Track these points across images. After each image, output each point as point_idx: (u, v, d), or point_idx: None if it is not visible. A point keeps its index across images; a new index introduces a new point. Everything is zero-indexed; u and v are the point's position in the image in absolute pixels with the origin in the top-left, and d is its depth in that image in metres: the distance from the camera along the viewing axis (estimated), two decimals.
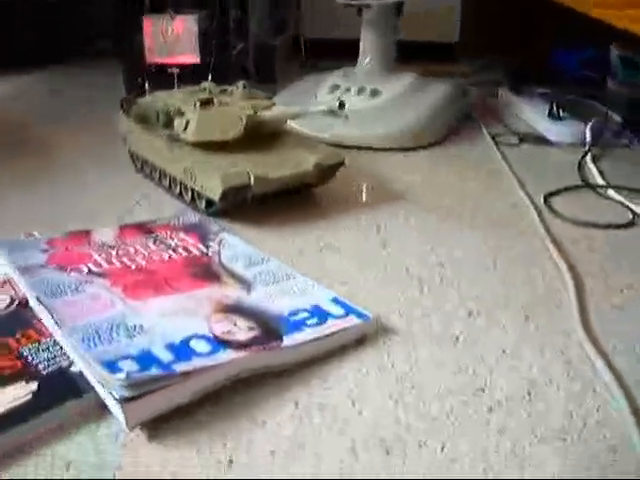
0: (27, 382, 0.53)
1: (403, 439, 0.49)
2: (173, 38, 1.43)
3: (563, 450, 0.48)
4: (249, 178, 0.83)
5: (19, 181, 1.02)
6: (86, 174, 1.05)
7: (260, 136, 0.93)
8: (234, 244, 0.76)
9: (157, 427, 0.50)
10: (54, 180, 1.03)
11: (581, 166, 1.07)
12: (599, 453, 0.48)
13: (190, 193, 0.90)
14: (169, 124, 0.93)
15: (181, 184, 0.91)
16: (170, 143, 0.93)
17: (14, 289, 0.67)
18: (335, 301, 0.64)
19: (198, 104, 0.91)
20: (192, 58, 1.43)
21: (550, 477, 0.46)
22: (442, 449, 0.48)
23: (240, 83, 1.00)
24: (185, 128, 0.90)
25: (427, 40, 1.76)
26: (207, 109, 0.92)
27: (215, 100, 0.94)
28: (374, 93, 1.22)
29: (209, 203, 0.87)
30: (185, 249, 0.74)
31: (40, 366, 0.55)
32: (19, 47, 1.77)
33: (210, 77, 1.40)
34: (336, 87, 1.25)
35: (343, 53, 1.40)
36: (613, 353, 0.59)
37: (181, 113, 0.93)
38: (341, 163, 0.92)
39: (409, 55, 1.38)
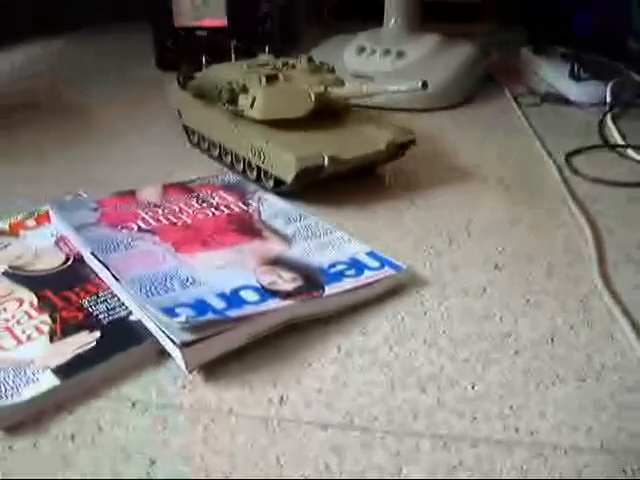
0: (90, 331, 0.57)
1: (437, 378, 0.54)
2: (202, 1, 1.46)
3: (582, 389, 0.53)
4: (323, 159, 0.80)
5: (60, 144, 1.06)
6: (124, 136, 1.10)
7: (328, 113, 0.90)
8: (272, 202, 0.80)
9: (212, 370, 0.54)
10: (93, 142, 1.07)
11: (601, 126, 1.10)
12: (615, 393, 0.52)
13: (255, 171, 0.87)
14: (233, 100, 0.90)
15: (244, 161, 0.89)
16: (234, 120, 0.90)
17: (68, 246, 0.71)
18: (370, 254, 0.68)
19: (264, 80, 0.88)
20: (220, 21, 1.46)
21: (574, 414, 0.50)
22: (473, 387, 0.53)
23: (304, 57, 0.96)
24: (252, 105, 0.87)
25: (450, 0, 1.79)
26: (273, 85, 0.89)
27: (280, 75, 0.90)
28: (399, 55, 1.25)
29: (277, 182, 0.84)
30: (226, 207, 0.78)
31: (101, 316, 0.59)
32: (49, 12, 1.80)
33: (236, 40, 1.44)
34: (362, 49, 1.28)
35: (365, 13, 1.43)
36: (630, 303, 0.63)
37: (245, 89, 0.89)
38: (412, 141, 0.88)
39: (433, 15, 1.40)
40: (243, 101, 0.88)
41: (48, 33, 1.81)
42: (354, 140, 0.85)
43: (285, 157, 0.80)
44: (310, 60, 0.96)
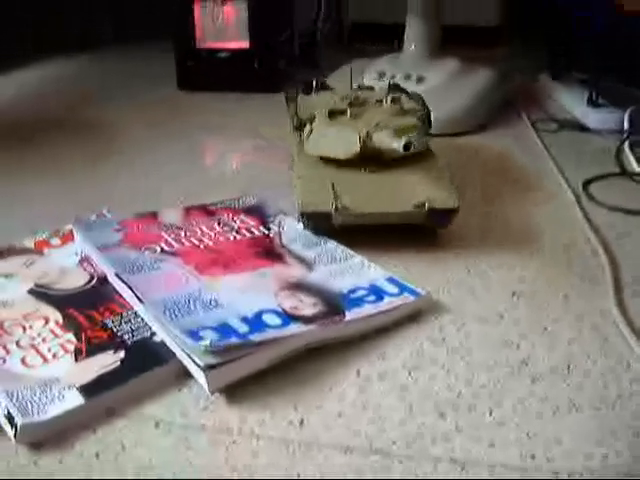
0: (115, 351, 0.58)
1: (455, 404, 0.55)
2: (223, 23, 1.48)
3: (598, 418, 0.53)
4: (331, 207, 0.76)
5: (84, 161, 1.09)
6: (146, 156, 1.12)
7: (380, 159, 0.83)
8: (293, 226, 0.81)
9: (234, 392, 0.55)
10: (116, 160, 1.10)
11: (619, 153, 1.10)
12: (631, 422, 0.53)
13: None
14: (301, 128, 0.90)
15: None
16: (298, 148, 0.89)
17: (92, 266, 0.72)
18: (390, 280, 0.69)
19: (326, 114, 0.87)
20: (242, 43, 1.47)
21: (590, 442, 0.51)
22: (490, 413, 0.54)
23: (389, 96, 0.92)
24: (307, 137, 0.87)
25: (469, 24, 1.80)
26: (334, 120, 0.86)
27: (349, 111, 0.87)
28: (420, 80, 1.26)
29: None
30: (248, 230, 0.79)
31: (125, 337, 0.60)
32: (71, 29, 1.83)
33: (257, 64, 1.46)
34: (382, 74, 1.29)
35: (385, 37, 1.44)
36: None
37: (312, 120, 0.88)
38: (453, 210, 0.78)
39: (451, 39, 1.42)
40: (305, 131, 0.87)
41: (63, 54, 1.83)
42: (388, 194, 0.79)
43: (299, 196, 0.79)
44: (395, 100, 0.92)
